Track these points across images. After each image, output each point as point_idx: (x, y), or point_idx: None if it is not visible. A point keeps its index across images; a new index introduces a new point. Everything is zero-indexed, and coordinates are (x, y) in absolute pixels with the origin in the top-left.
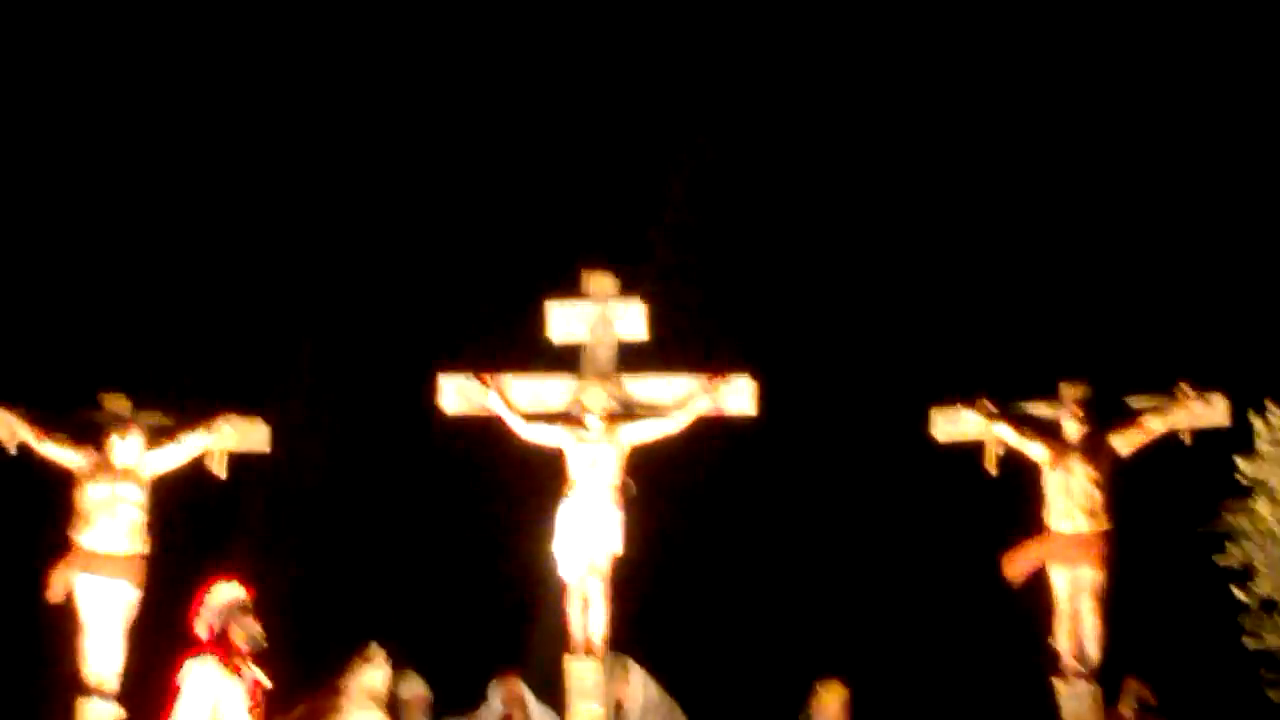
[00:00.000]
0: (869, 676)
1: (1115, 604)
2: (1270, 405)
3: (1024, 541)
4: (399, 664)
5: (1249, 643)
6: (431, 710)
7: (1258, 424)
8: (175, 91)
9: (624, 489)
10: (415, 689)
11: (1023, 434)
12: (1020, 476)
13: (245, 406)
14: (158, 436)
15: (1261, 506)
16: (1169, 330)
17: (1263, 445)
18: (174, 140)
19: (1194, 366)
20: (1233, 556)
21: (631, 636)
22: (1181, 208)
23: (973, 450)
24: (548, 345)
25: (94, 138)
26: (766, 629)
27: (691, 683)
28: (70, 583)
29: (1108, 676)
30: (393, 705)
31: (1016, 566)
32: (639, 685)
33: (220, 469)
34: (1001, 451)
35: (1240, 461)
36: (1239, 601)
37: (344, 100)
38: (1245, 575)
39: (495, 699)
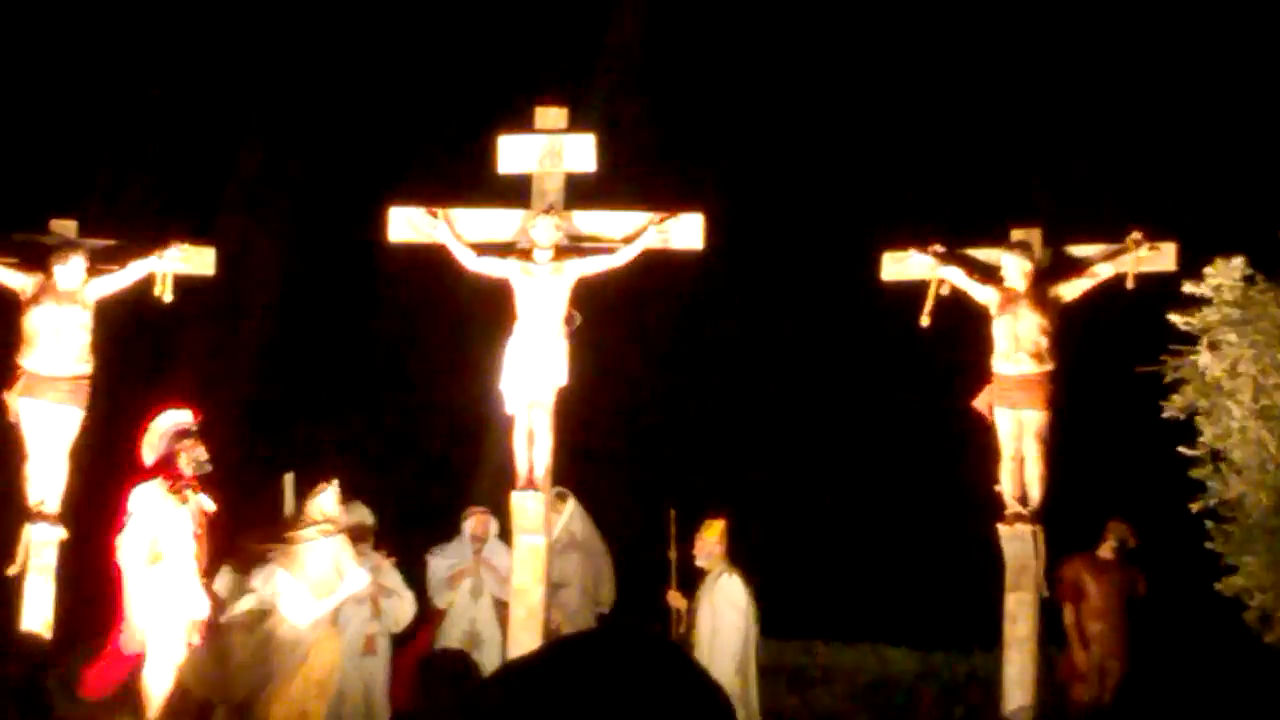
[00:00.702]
0: (808, 515)
1: (1061, 448)
2: (1218, 260)
3: (972, 385)
4: (344, 494)
5: (1195, 506)
6: (375, 538)
7: (1196, 285)
8: None
9: (570, 321)
10: (359, 517)
11: (971, 276)
12: (964, 322)
13: (193, 231)
14: (104, 260)
15: (1204, 358)
16: (1122, 177)
17: (1205, 297)
18: None
19: (1146, 214)
20: (1175, 404)
21: (572, 469)
22: (1139, 57)
23: (921, 293)
24: (498, 178)
25: None
26: (713, 461)
27: (631, 514)
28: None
29: (1051, 520)
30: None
31: (981, 403)
32: (566, 519)
33: (167, 293)
34: (947, 292)
35: (1179, 316)
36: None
37: None
38: (1189, 425)
39: (466, 531)
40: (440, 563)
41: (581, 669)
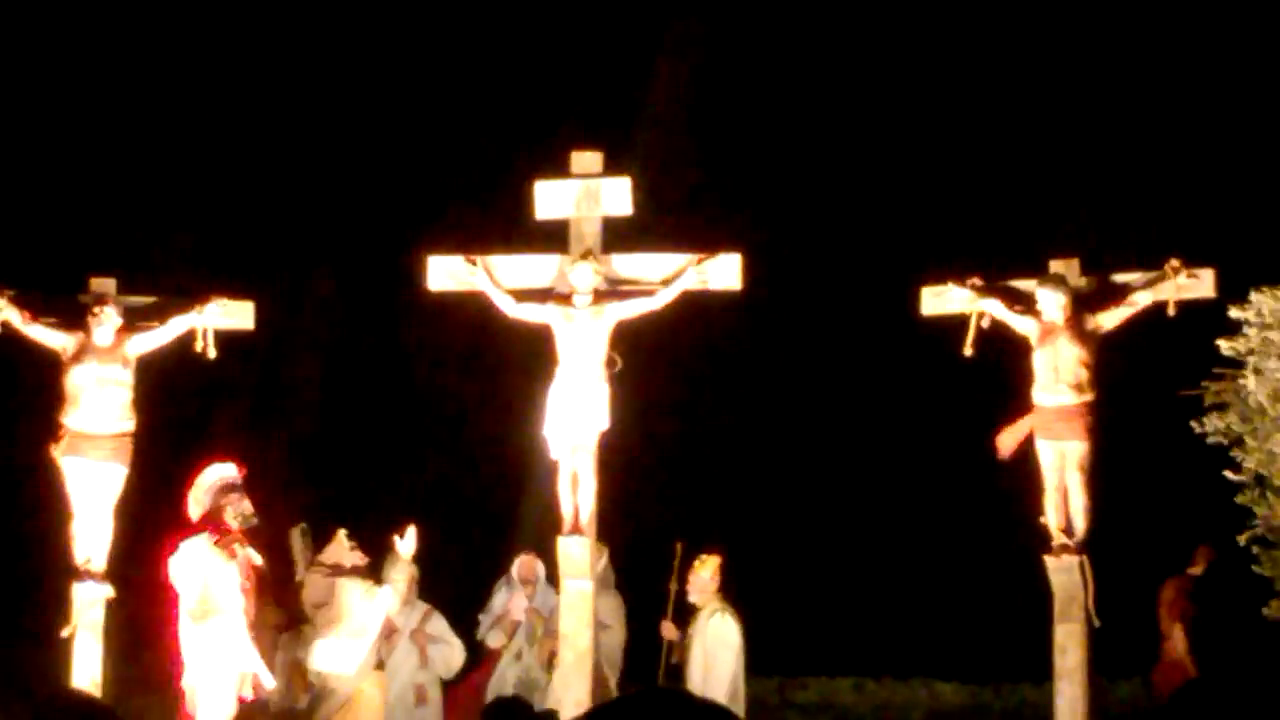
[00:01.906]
0: (856, 552)
1: (1102, 477)
2: (1264, 288)
3: (1012, 418)
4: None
5: (1242, 538)
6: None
7: (1240, 310)
8: None
9: (610, 364)
10: (402, 567)
11: (1011, 308)
12: (1004, 355)
13: (231, 286)
14: (144, 317)
15: (1250, 382)
16: (1160, 205)
17: (1249, 322)
18: (164, 26)
19: (1184, 242)
20: (1216, 428)
21: (617, 513)
22: (1177, 83)
23: (960, 327)
24: (535, 224)
25: (84, 26)
26: (754, 499)
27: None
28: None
29: (1097, 549)
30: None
31: (1006, 441)
32: (605, 561)
33: (208, 348)
34: (987, 325)
35: (1223, 341)
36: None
37: None
38: (1229, 452)
39: (514, 575)
40: (495, 603)
41: None
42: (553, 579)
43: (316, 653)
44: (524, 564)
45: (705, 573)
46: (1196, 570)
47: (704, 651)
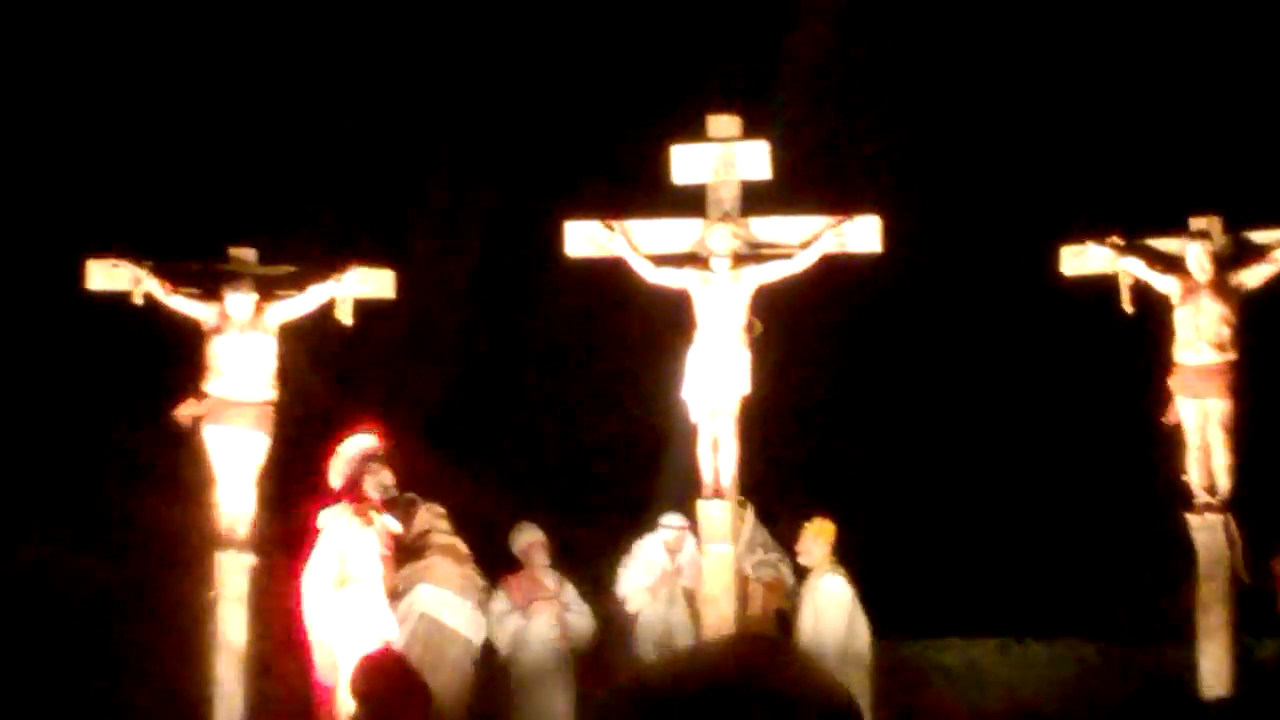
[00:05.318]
0: (999, 513)
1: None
2: None
3: (1155, 378)
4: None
5: None
6: (550, 552)
7: None
8: None
9: (750, 329)
10: (531, 536)
11: (1152, 267)
12: (1146, 315)
13: (371, 254)
14: (283, 286)
15: None
16: None
17: None
18: None
19: None
20: None
21: (757, 478)
22: None
23: (1101, 288)
24: (672, 189)
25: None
26: (895, 465)
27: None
28: (198, 415)
29: (1241, 508)
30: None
31: (1170, 413)
32: (750, 526)
33: (347, 317)
34: (1130, 283)
35: None
36: None
37: None
38: None
39: (660, 538)
40: (640, 567)
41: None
42: None
43: (436, 601)
44: (678, 536)
45: (815, 535)
46: None
47: (814, 611)
